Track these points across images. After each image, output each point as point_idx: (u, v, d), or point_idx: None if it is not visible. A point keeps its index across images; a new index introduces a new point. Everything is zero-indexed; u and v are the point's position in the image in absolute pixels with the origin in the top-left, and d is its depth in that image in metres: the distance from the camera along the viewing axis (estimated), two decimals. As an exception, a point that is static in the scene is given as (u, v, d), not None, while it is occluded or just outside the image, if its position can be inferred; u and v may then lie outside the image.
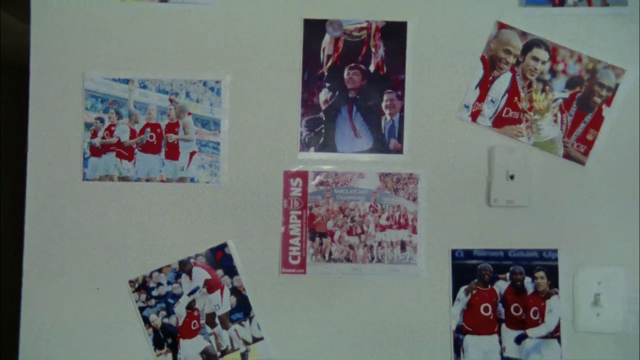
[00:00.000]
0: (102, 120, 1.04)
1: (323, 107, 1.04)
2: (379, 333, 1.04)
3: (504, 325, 1.04)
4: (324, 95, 1.04)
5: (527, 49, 1.04)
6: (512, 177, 1.03)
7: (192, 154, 1.04)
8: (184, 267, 1.03)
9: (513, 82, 1.04)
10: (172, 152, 1.04)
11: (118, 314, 1.03)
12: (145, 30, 1.04)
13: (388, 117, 1.05)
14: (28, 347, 1.03)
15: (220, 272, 1.03)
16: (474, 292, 1.04)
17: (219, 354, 1.03)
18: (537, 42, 1.04)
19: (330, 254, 1.04)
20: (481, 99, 1.04)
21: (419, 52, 1.04)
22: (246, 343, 1.03)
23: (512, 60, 1.04)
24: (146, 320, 1.03)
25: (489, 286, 1.04)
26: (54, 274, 1.03)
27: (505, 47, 1.04)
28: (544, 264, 1.04)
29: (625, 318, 1.02)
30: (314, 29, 1.04)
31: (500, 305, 1.04)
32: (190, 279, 1.03)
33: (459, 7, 1.04)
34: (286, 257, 1.04)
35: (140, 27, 1.04)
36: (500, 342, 1.04)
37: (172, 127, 1.04)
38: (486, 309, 1.04)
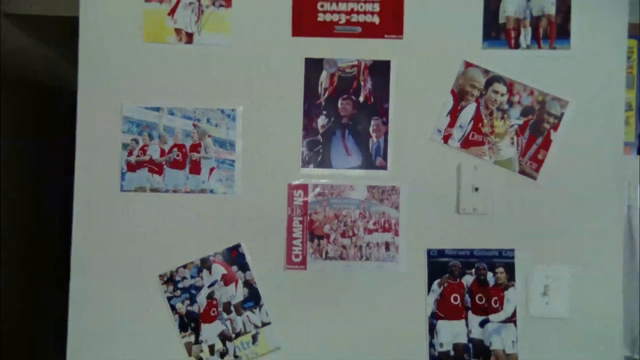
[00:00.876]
0: (136, 141, 1.24)
1: (321, 131, 1.25)
2: (366, 319, 1.24)
3: (470, 312, 1.25)
4: (321, 121, 1.25)
5: (489, 83, 1.26)
6: (476, 190, 1.25)
7: (212, 169, 1.25)
8: (205, 264, 1.24)
9: (477, 111, 1.26)
10: (195, 168, 1.25)
11: (150, 303, 1.23)
12: (174, 66, 1.24)
13: (375, 139, 1.26)
14: (76, 331, 1.23)
15: (234, 268, 1.24)
16: (445, 284, 1.25)
17: (233, 335, 1.23)
18: (497, 78, 1.26)
19: (327, 253, 1.25)
20: (451, 124, 1.25)
21: (401, 86, 1.25)
22: (256, 327, 1.24)
23: (476, 93, 1.26)
24: (173, 308, 1.23)
25: (458, 280, 1.25)
26: (96, 270, 1.23)
27: (471, 82, 1.26)
28: (503, 261, 1.25)
29: (568, 306, 1.24)
30: (313, 66, 1.25)
31: (467, 295, 1.25)
32: (210, 273, 1.24)
33: (434, 48, 1.26)
34: (290, 255, 1.24)
35: (169, 64, 1.24)
36: (467, 325, 1.25)
37: (195, 147, 1.25)
38: (455, 299, 1.25)
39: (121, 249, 1.23)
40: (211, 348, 1.23)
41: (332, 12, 1.25)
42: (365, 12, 1.25)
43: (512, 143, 1.25)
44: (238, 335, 1.24)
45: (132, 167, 1.24)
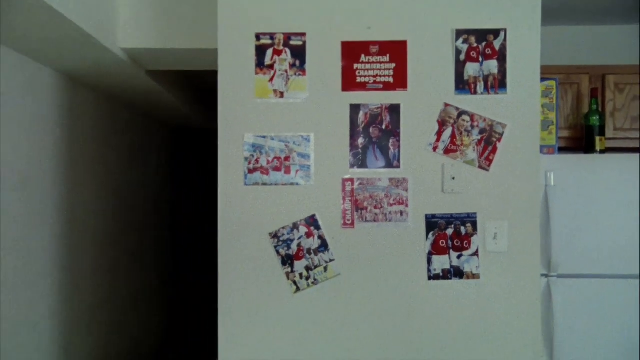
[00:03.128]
0: (252, 156, 2.09)
1: (360, 147, 2.10)
2: (389, 256, 2.09)
3: (451, 250, 2.09)
4: (360, 141, 2.10)
5: (459, 115, 2.09)
6: (453, 178, 2.08)
7: (297, 171, 2.09)
8: (295, 226, 2.09)
9: (453, 132, 2.09)
10: (287, 170, 2.10)
11: (264, 250, 2.09)
12: (273, 111, 2.09)
13: (392, 151, 2.10)
14: (224, 263, 2.09)
15: (312, 228, 2.09)
16: (436, 234, 2.09)
17: (313, 267, 2.09)
18: (464, 112, 2.09)
19: (366, 218, 2.10)
20: (437, 140, 2.09)
21: (406, 119, 2.09)
22: (326, 262, 2.09)
23: (452, 121, 2.09)
24: (277, 252, 2.09)
25: (444, 231, 2.09)
26: (233, 233, 2.09)
27: (449, 115, 2.09)
28: (470, 220, 2.09)
29: (508, 245, 2.08)
30: (355, 109, 2.09)
31: (449, 240, 2.10)
32: (298, 231, 2.09)
33: (426, 96, 2.09)
34: (344, 220, 2.09)
35: (270, 110, 2.09)
36: (450, 258, 2.09)
37: (287, 158, 2.10)
38: (442, 243, 2.09)
39: (246, 220, 2.09)
40: (300, 275, 2.09)
41: (365, 76, 2.10)
42: (384, 76, 2.10)
43: (474, 150, 2.09)
44: (316, 267, 2.09)
45: (250, 171, 2.10)
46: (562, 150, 2.47)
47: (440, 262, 2.09)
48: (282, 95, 2.09)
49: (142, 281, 3.59)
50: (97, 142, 2.90)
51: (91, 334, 2.75)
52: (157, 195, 3.99)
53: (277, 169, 2.10)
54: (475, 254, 2.08)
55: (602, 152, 2.37)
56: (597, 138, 2.36)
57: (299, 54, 2.09)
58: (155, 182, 3.89)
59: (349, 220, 2.09)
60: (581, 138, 2.45)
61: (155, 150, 3.88)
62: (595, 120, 2.37)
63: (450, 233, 2.09)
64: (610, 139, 2.43)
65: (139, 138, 3.53)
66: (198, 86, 3.01)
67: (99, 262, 2.91)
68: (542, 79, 2.31)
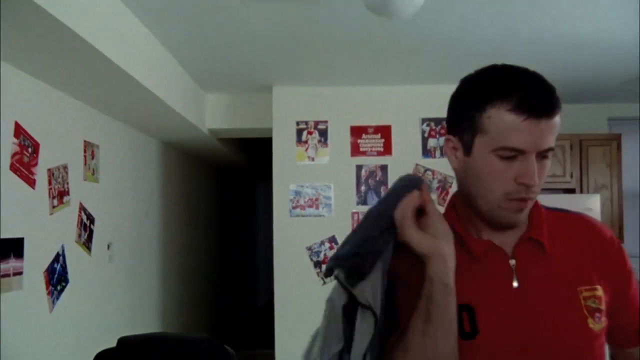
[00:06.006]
0: (295, 198, 3.25)
1: (363, 192, 3.25)
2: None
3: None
4: (363, 188, 3.25)
5: (424, 171, 3.22)
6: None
7: (323, 207, 3.24)
8: (322, 242, 3.22)
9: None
10: (316, 207, 3.25)
11: (302, 258, 3.23)
12: (307, 170, 3.25)
13: (383, 194, 3.26)
14: (279, 266, 3.23)
15: (333, 243, 3.22)
16: (412, 247, 3.24)
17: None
18: (428, 169, 3.24)
19: (367, 237, 3.25)
20: (411, 187, 3.25)
21: (392, 173, 3.23)
22: (342, 265, 3.23)
23: (420, 174, 3.26)
24: (311, 259, 3.22)
25: (416, 245, 3.24)
26: (283, 247, 3.24)
27: (418, 171, 3.22)
28: (433, 237, 3.24)
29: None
30: (359, 167, 3.24)
31: (420, 251, 3.24)
32: (324, 245, 3.23)
33: (404, 159, 3.24)
34: (353, 238, 3.24)
35: (305, 169, 3.25)
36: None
37: (317, 199, 3.25)
38: (415, 252, 3.24)
39: (291, 240, 3.22)
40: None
41: (365, 147, 3.25)
42: (377, 146, 3.25)
43: (435, 193, 3.26)
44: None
45: (293, 208, 3.24)
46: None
47: (415, 265, 3.24)
48: (312, 159, 3.27)
49: (202, 279, 4.74)
50: (179, 187, 4.07)
51: (179, 305, 3.92)
52: (211, 220, 5.16)
53: (310, 206, 3.26)
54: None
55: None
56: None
57: (323, 133, 3.27)
58: (211, 211, 5.07)
59: (356, 238, 3.25)
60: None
61: (212, 186, 5.07)
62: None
63: (421, 246, 3.25)
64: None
65: (202, 180, 4.71)
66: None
67: (178, 265, 4.06)
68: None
